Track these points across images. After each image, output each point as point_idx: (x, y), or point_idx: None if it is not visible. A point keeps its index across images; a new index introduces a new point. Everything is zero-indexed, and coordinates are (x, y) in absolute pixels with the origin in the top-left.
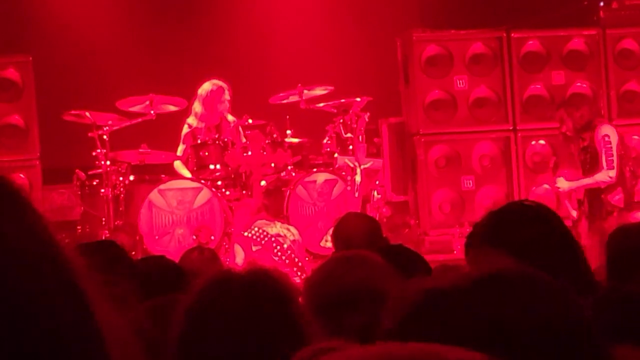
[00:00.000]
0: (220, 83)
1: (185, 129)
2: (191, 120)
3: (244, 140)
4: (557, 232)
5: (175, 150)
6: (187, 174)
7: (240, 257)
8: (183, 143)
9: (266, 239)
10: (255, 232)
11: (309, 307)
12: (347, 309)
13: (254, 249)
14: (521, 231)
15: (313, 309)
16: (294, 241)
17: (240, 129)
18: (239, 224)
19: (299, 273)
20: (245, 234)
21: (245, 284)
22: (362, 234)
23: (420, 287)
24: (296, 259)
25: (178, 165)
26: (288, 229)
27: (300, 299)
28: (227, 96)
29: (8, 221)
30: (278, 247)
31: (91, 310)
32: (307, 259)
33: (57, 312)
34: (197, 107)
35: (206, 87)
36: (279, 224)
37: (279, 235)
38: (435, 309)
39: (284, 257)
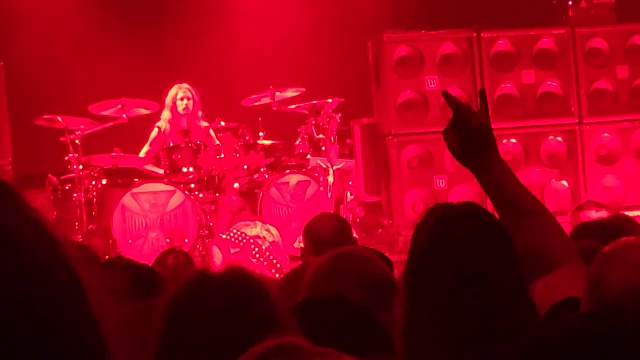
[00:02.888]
0: (185, 87)
1: (155, 132)
2: (161, 124)
3: (217, 142)
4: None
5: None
6: (159, 171)
7: (218, 259)
8: (150, 145)
9: (244, 241)
10: (234, 234)
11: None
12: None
13: (232, 251)
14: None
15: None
16: (273, 242)
17: (212, 131)
18: (219, 225)
19: (277, 275)
20: (224, 236)
21: (221, 284)
22: (331, 233)
23: None
24: (275, 261)
25: (148, 165)
26: (269, 230)
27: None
28: (194, 100)
29: (9, 213)
30: (257, 249)
31: (88, 299)
32: (287, 260)
33: (58, 301)
34: (165, 111)
35: (172, 92)
36: (260, 225)
37: (258, 237)
38: None
39: (262, 259)
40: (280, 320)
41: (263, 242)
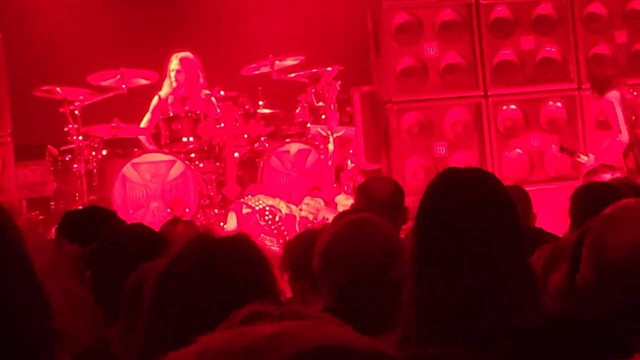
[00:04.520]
0: (184, 55)
1: (155, 101)
2: (162, 92)
3: (217, 112)
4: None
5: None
6: (149, 146)
7: (232, 223)
8: (150, 114)
9: (260, 206)
10: (251, 198)
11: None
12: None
13: (244, 211)
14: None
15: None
16: (288, 215)
17: (212, 100)
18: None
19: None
20: (242, 200)
21: (220, 247)
22: (386, 196)
23: None
24: (285, 232)
25: (143, 139)
26: (288, 206)
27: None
28: (189, 70)
29: None
30: (270, 217)
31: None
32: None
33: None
34: (166, 80)
35: (173, 59)
36: (280, 201)
37: (273, 206)
38: None
39: (273, 227)
40: (273, 286)
41: (277, 212)
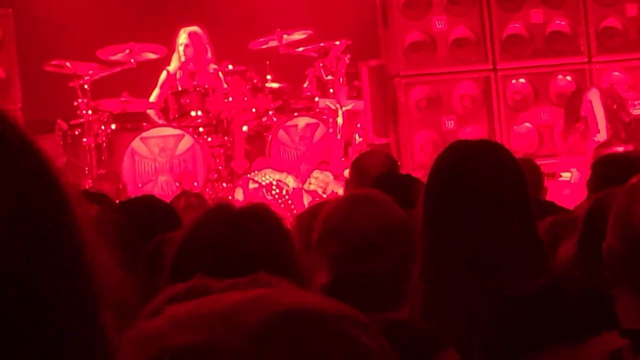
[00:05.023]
0: (192, 29)
1: (163, 75)
2: (170, 67)
3: (225, 86)
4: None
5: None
6: (158, 120)
7: (239, 198)
8: (159, 89)
9: (267, 180)
10: (258, 173)
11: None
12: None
13: (251, 186)
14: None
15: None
16: (296, 189)
17: (220, 75)
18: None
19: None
20: (249, 175)
21: (240, 214)
22: (380, 169)
23: None
24: (292, 206)
25: (152, 114)
26: (296, 181)
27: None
28: (197, 44)
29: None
30: (277, 191)
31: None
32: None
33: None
34: (175, 55)
35: (181, 34)
36: (287, 175)
37: (280, 180)
38: None
39: (280, 201)
40: (295, 257)
41: (285, 186)
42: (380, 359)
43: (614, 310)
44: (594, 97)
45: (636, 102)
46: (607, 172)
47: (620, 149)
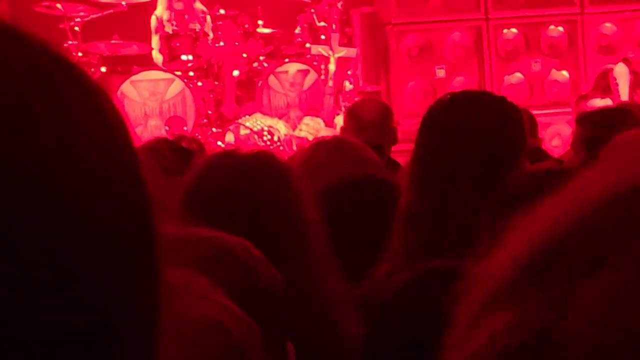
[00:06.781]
0: None
1: (153, 21)
2: (157, 11)
3: (210, 35)
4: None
5: (148, 42)
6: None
7: (229, 139)
8: (155, 33)
9: (258, 126)
10: (249, 118)
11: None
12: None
13: (242, 132)
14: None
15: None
16: (287, 135)
17: (208, 18)
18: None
19: None
20: (239, 120)
21: (247, 161)
22: (375, 116)
23: None
24: (284, 152)
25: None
26: (287, 126)
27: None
28: None
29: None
30: (269, 137)
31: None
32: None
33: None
34: None
35: None
36: (278, 121)
37: (272, 126)
38: None
39: (271, 147)
40: (303, 201)
41: (276, 132)
42: None
43: None
44: (620, 71)
45: None
46: (593, 127)
47: (598, 100)
